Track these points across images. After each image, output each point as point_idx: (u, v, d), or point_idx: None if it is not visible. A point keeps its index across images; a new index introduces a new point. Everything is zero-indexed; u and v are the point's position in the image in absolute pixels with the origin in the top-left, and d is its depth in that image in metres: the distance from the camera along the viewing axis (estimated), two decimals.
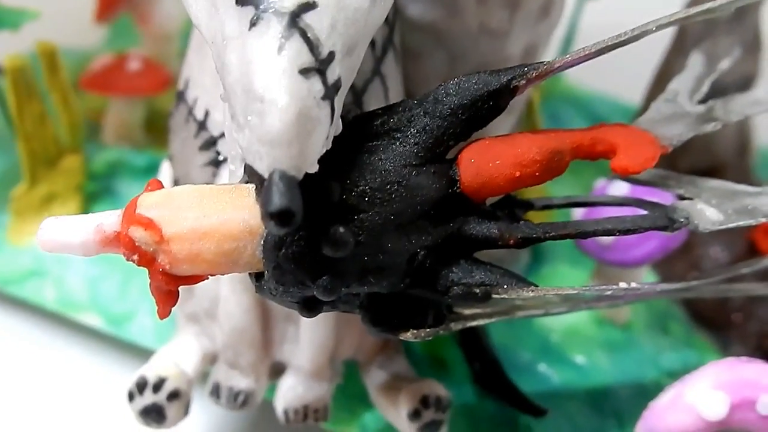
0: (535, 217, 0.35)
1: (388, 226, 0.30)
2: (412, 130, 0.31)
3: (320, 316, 0.38)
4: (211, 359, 0.41)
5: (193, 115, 0.38)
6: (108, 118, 0.54)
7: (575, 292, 0.34)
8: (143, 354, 0.40)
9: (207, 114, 0.38)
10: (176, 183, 0.40)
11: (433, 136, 0.31)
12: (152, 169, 0.52)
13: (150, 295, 0.45)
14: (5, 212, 0.50)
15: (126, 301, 0.47)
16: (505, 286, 0.32)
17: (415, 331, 0.33)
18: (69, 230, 0.30)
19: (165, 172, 0.42)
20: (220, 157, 0.37)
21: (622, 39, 0.32)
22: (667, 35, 0.53)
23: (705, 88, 0.38)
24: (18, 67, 0.45)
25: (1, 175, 0.51)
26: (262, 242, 0.30)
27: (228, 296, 0.38)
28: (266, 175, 0.27)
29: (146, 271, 0.45)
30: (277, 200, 0.27)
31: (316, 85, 0.27)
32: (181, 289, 0.40)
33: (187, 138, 0.39)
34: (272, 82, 0.27)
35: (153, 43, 0.56)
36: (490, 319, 0.35)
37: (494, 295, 0.32)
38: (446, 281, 0.32)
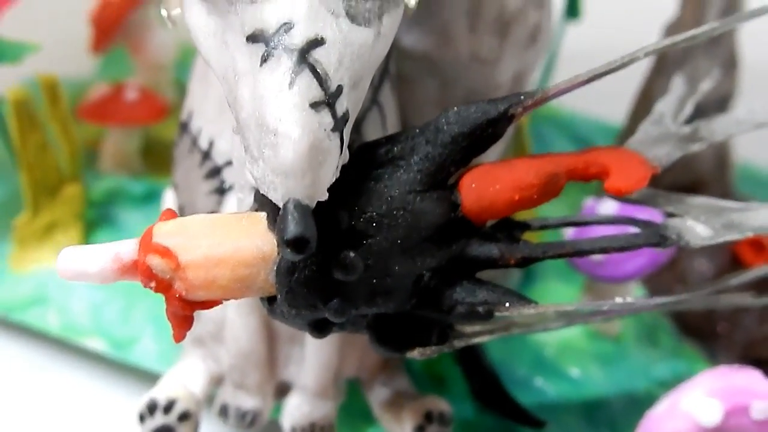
0: (531, 236, 0.36)
1: (395, 250, 0.32)
2: (415, 158, 0.33)
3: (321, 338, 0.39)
4: (217, 381, 0.42)
5: (198, 145, 0.39)
6: (105, 147, 0.55)
7: (573, 308, 0.35)
8: (147, 378, 0.41)
9: (211, 144, 0.39)
10: (181, 210, 0.41)
11: (435, 164, 0.33)
12: (150, 196, 0.53)
13: (153, 320, 0.47)
14: (7, 241, 0.51)
15: (129, 325, 0.48)
16: (507, 304, 0.34)
17: (421, 350, 0.35)
18: (87, 259, 0.31)
19: (169, 200, 0.43)
20: (225, 185, 0.38)
21: (612, 66, 0.34)
22: (648, 58, 0.55)
23: (688, 109, 0.39)
24: (21, 99, 0.46)
25: (2, 204, 0.52)
26: (275, 268, 0.31)
27: (234, 319, 0.40)
28: (281, 205, 0.29)
29: (149, 295, 0.46)
30: (293, 228, 0.28)
31: (325, 118, 0.29)
32: None
33: (192, 167, 0.40)
34: (285, 116, 0.28)
35: (147, 72, 0.57)
36: (491, 335, 0.37)
37: (497, 313, 0.34)
38: (450, 301, 0.33)
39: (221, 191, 0.38)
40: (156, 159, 0.57)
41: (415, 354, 0.35)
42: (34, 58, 0.47)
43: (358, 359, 0.42)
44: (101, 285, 0.47)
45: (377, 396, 0.42)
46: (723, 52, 0.54)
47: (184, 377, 0.41)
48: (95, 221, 0.52)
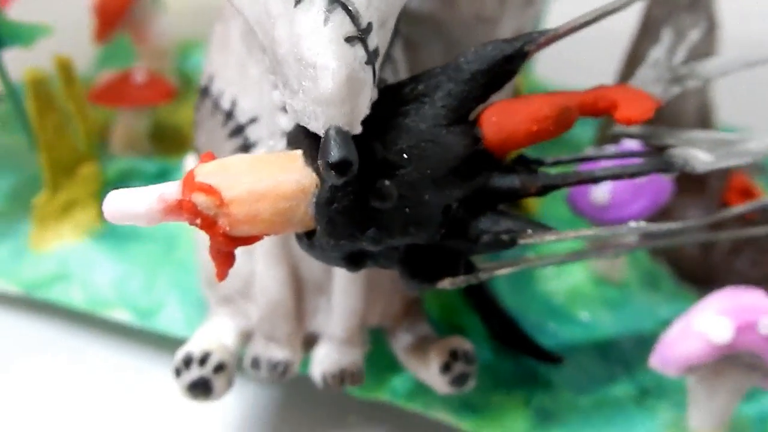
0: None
1: (426, 180, 0.34)
2: (438, 94, 0.35)
3: (351, 284, 0.41)
4: (246, 336, 0.43)
5: (220, 106, 0.41)
6: (115, 131, 0.57)
7: (592, 232, 0.37)
8: (175, 346, 0.42)
9: (234, 103, 0.40)
10: None
11: (457, 99, 0.35)
12: (163, 174, 0.55)
13: (176, 286, 0.49)
14: (27, 220, 0.52)
15: (153, 294, 0.49)
16: (529, 231, 0.36)
17: (451, 279, 0.36)
18: (134, 201, 0.32)
19: (190, 164, 0.45)
20: (250, 142, 0.40)
21: (616, 5, 0.36)
22: (632, 24, 0.57)
23: (680, 56, 0.41)
24: (38, 80, 0.47)
25: (20, 185, 0.53)
26: (314, 200, 0.33)
27: (263, 271, 0.41)
28: (321, 133, 0.31)
29: (171, 264, 0.48)
30: (336, 152, 0.30)
31: (359, 51, 0.31)
32: (213, 273, 0.43)
33: (214, 128, 0.42)
34: (322, 50, 0.30)
35: (150, 59, 0.59)
36: (512, 267, 0.38)
37: (520, 240, 0.36)
38: (476, 230, 0.35)
39: (246, 148, 0.40)
40: (164, 141, 0.58)
41: (446, 284, 0.36)
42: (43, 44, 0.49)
43: (381, 308, 0.43)
44: (122, 257, 0.50)
45: (401, 342, 0.44)
46: (704, 14, 0.56)
47: (215, 333, 0.43)
48: None
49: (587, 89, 0.38)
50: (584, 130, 0.55)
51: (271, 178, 0.33)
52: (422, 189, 0.34)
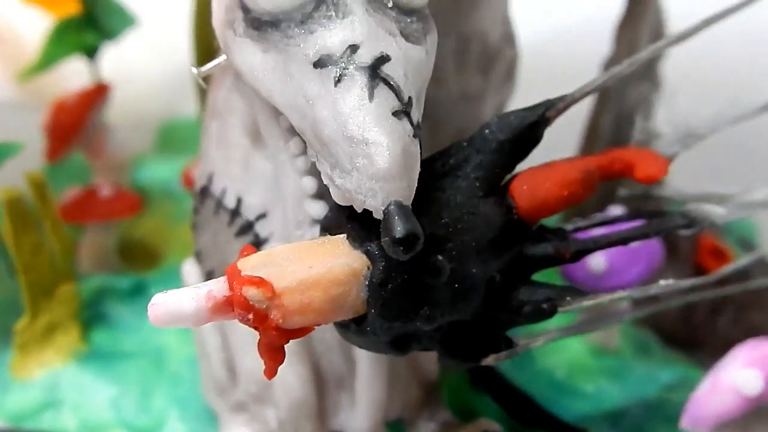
0: None
1: (471, 253, 0.33)
2: (470, 166, 0.35)
3: (375, 376, 0.40)
4: None
5: (224, 206, 0.40)
6: (82, 248, 0.55)
7: (626, 294, 0.38)
8: None
9: (239, 200, 0.39)
10: (210, 276, 0.41)
11: (487, 170, 0.35)
12: (137, 290, 0.53)
13: (175, 402, 0.47)
14: (7, 348, 0.49)
15: (151, 412, 0.47)
16: (568, 298, 0.36)
17: (495, 355, 0.36)
18: (181, 302, 0.31)
19: (189, 271, 0.43)
20: (261, 238, 0.39)
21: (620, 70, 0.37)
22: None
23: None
24: (14, 199, 0.45)
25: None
26: (366, 283, 0.32)
27: (285, 370, 0.40)
28: (380, 210, 0.30)
29: (166, 379, 0.46)
30: (402, 227, 0.29)
31: (407, 125, 0.31)
32: (224, 380, 0.42)
33: (219, 229, 0.40)
34: (372, 126, 0.30)
35: (107, 175, 0.57)
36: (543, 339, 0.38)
37: (559, 309, 0.36)
38: (517, 301, 0.35)
39: (257, 245, 0.39)
40: (130, 256, 0.56)
41: (490, 360, 0.36)
42: None
43: (402, 399, 0.42)
44: (113, 377, 0.48)
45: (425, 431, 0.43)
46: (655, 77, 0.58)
47: None
48: (90, 320, 0.51)
49: (600, 154, 0.38)
50: None
51: (321, 264, 0.32)
52: (469, 262, 0.33)
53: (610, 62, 0.56)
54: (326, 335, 0.39)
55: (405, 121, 0.31)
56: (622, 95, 0.56)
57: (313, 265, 0.32)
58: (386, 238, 0.30)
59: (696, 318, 0.55)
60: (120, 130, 0.60)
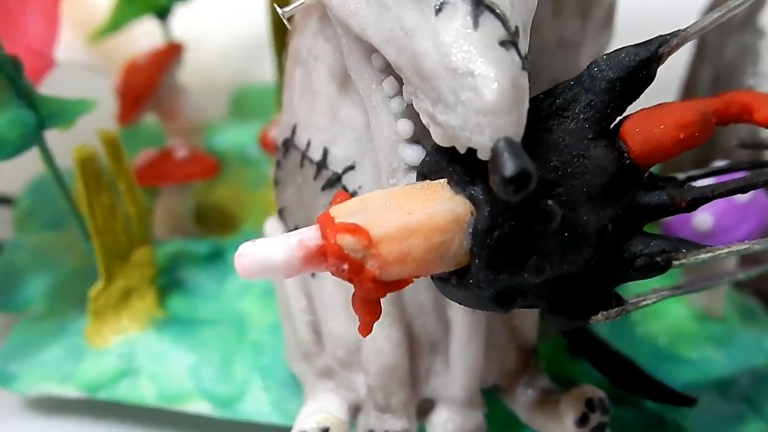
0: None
1: (583, 198, 0.31)
2: (578, 107, 0.32)
3: (471, 339, 0.38)
4: (354, 411, 0.40)
5: (308, 158, 0.38)
6: (159, 212, 0.53)
7: (746, 246, 0.34)
8: None
9: (326, 153, 0.37)
10: None
11: (598, 110, 0.32)
12: (215, 255, 0.51)
13: (257, 369, 0.45)
14: (81, 316, 0.48)
15: (232, 381, 0.45)
16: (684, 251, 0.33)
17: (604, 312, 0.33)
18: (271, 252, 0.29)
19: (271, 229, 0.41)
20: (349, 191, 0.37)
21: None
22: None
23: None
24: (87, 158, 0.43)
25: (70, 279, 0.49)
26: (470, 230, 0.29)
27: (375, 333, 0.37)
28: (489, 146, 0.27)
29: (247, 346, 0.44)
30: (513, 164, 0.27)
31: (515, 56, 0.28)
32: (310, 344, 0.40)
33: (304, 183, 0.38)
34: (478, 56, 0.28)
35: (180, 137, 0.55)
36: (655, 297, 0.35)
37: (674, 262, 0.33)
38: (629, 254, 0.32)
39: None
40: (206, 221, 0.54)
41: (600, 318, 0.33)
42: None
43: (498, 365, 0.40)
44: (193, 345, 0.46)
45: (523, 399, 0.40)
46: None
47: (325, 408, 0.39)
48: (167, 286, 0.49)
49: (714, 96, 0.35)
50: None
51: (420, 210, 0.29)
52: (580, 208, 0.30)
53: (710, 9, 0.53)
54: (419, 295, 0.37)
55: (513, 52, 0.28)
56: (721, 47, 0.53)
57: (413, 211, 0.29)
58: (495, 177, 0.27)
59: None
60: (193, 94, 0.58)
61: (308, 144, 0.38)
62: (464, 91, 0.28)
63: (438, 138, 0.30)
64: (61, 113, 0.44)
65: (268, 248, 0.29)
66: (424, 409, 0.40)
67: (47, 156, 0.44)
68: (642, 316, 0.48)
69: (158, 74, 0.54)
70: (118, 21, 0.55)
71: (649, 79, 0.33)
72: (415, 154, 0.33)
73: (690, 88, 0.55)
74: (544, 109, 0.32)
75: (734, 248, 0.34)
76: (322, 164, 0.37)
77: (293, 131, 0.39)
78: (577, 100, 0.32)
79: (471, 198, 0.29)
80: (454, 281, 0.31)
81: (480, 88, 0.27)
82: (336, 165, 0.37)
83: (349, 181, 0.37)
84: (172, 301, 0.49)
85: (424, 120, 0.30)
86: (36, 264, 0.51)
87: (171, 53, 0.54)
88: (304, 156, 0.38)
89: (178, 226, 0.53)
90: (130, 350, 0.46)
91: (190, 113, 0.56)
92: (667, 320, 0.48)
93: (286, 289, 0.40)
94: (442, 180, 0.30)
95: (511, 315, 0.39)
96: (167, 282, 0.50)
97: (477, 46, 0.28)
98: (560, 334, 0.45)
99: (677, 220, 0.45)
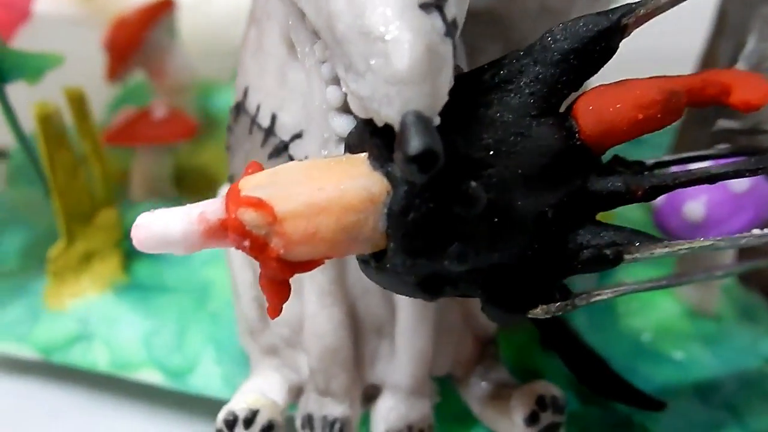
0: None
1: (516, 181, 0.28)
2: (524, 80, 0.29)
3: (419, 323, 0.35)
4: (296, 392, 0.38)
5: (257, 123, 0.35)
6: (134, 174, 0.52)
7: (710, 243, 0.31)
8: (211, 409, 0.36)
9: (274, 118, 0.35)
10: None
11: (547, 85, 0.29)
12: None
13: (211, 341, 0.43)
14: (41, 277, 0.46)
15: (185, 352, 0.43)
16: (637, 244, 0.30)
17: (545, 307, 0.30)
18: (169, 224, 0.26)
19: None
20: (296, 160, 0.34)
21: None
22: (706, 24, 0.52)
23: None
24: (48, 114, 0.42)
25: (32, 239, 0.48)
26: (385, 210, 0.27)
27: (316, 312, 0.35)
28: (398, 119, 0.25)
29: (204, 316, 0.42)
30: (417, 141, 0.24)
31: (437, 21, 0.25)
32: (255, 320, 0.38)
33: (253, 149, 0.36)
34: (393, 20, 0.25)
35: (168, 96, 0.54)
36: (611, 293, 0.32)
37: (626, 256, 0.30)
38: (574, 245, 0.29)
39: None
40: (188, 185, 0.53)
41: (539, 312, 0.30)
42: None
43: (452, 352, 0.38)
44: (149, 312, 0.44)
45: (476, 391, 0.38)
46: None
47: (261, 389, 0.37)
48: (135, 251, 0.47)
49: (693, 74, 0.32)
50: (659, 135, 0.50)
51: (333, 186, 0.27)
52: (513, 192, 0.28)
53: None
54: (364, 275, 0.35)
55: (435, 15, 0.25)
56: (743, 20, 0.49)
57: (324, 187, 0.27)
58: (399, 155, 0.25)
59: None
60: (184, 53, 0.56)
61: (258, 108, 0.36)
62: (374, 58, 0.25)
63: (355, 108, 0.27)
64: (25, 67, 0.42)
65: (167, 220, 0.27)
66: (370, 395, 0.38)
67: (8, 110, 0.43)
68: (627, 309, 0.45)
69: (145, 30, 0.52)
70: None
71: (609, 51, 0.30)
72: (345, 124, 0.30)
73: (708, 65, 0.51)
74: (486, 81, 0.29)
75: (695, 244, 0.31)
76: (269, 131, 0.35)
77: (245, 94, 0.37)
78: (524, 72, 0.29)
79: (388, 175, 0.27)
80: (372, 264, 0.28)
81: (390, 54, 0.25)
82: (283, 132, 0.35)
83: (296, 150, 0.34)
84: (138, 266, 0.47)
85: (343, 88, 0.28)
86: (14, 220, 0.50)
87: (160, 10, 0.53)
88: (253, 121, 0.36)
89: (154, 188, 0.51)
90: (87, 314, 0.45)
91: (179, 72, 0.54)
92: (655, 315, 0.45)
93: (233, 264, 0.38)
94: (363, 154, 0.28)
95: (467, 301, 0.37)
96: (133, 247, 0.48)
97: (394, 8, 0.25)
98: (532, 324, 0.42)
99: (668, 208, 0.42)
